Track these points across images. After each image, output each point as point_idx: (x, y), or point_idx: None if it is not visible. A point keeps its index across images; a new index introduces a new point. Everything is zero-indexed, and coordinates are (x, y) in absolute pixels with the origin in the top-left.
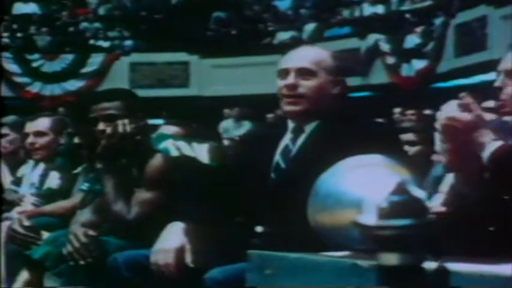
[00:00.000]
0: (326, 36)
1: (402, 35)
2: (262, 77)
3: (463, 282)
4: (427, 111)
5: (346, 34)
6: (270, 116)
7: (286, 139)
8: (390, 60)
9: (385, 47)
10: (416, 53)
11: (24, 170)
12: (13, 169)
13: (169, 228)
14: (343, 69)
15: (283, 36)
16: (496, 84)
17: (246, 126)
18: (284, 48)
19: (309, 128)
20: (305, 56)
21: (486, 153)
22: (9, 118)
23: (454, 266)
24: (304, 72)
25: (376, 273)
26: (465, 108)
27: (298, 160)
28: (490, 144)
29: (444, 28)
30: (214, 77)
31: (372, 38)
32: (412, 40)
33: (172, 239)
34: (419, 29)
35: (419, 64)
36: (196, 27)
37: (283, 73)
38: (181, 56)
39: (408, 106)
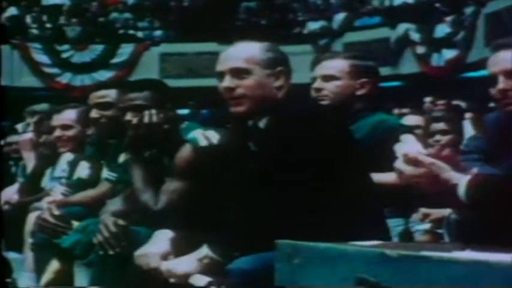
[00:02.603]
0: (356, 25)
1: (432, 24)
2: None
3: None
4: (457, 102)
5: (376, 24)
6: None
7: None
8: (420, 49)
9: (415, 36)
10: (447, 42)
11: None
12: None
13: (157, 234)
14: (281, 60)
15: (313, 26)
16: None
17: None
18: (314, 37)
19: (261, 124)
20: (236, 55)
21: (461, 191)
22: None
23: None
24: (238, 72)
25: None
26: (414, 163)
27: (261, 158)
28: (460, 181)
29: (474, 17)
30: None
31: (402, 27)
32: (442, 29)
33: (157, 245)
34: (449, 18)
35: (449, 54)
36: (226, 17)
37: (220, 76)
38: (211, 46)
39: (438, 95)
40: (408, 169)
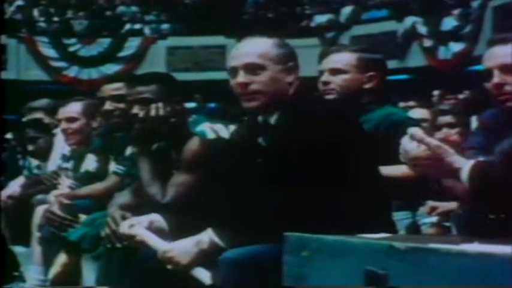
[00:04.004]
0: (363, 18)
1: (439, 17)
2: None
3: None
4: (463, 95)
5: (383, 17)
6: None
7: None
8: (427, 43)
9: (422, 29)
10: (454, 35)
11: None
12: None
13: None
14: (291, 55)
15: (321, 19)
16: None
17: None
18: (321, 31)
19: (272, 120)
20: (249, 50)
21: (463, 175)
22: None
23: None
24: (252, 68)
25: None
26: (419, 143)
27: (270, 154)
28: (464, 165)
29: (482, 10)
30: None
31: (409, 20)
32: (449, 22)
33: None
34: (456, 12)
35: (456, 47)
36: (233, 11)
37: (233, 71)
38: (218, 40)
39: (445, 89)
40: (415, 149)
